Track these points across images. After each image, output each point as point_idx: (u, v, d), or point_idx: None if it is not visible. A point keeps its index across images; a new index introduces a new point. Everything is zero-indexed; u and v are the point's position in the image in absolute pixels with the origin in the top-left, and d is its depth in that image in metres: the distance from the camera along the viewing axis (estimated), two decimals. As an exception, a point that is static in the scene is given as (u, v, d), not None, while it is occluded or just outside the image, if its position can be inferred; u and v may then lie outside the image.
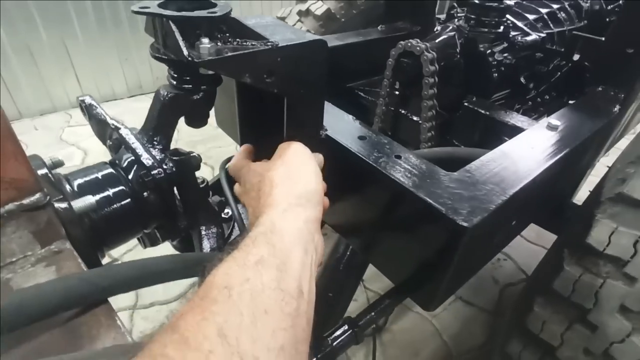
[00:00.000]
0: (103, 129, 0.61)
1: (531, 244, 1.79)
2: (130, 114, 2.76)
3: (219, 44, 0.52)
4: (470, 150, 0.78)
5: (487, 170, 0.64)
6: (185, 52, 0.47)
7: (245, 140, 0.82)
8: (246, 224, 0.72)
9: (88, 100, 0.61)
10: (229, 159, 0.84)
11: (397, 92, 1.06)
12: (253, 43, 0.54)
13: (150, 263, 0.43)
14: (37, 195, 0.39)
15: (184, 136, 2.49)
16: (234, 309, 0.28)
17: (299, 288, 0.33)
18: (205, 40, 0.50)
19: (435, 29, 1.04)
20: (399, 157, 0.65)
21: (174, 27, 0.48)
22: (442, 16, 1.54)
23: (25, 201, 0.38)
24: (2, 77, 2.49)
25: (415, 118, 1.04)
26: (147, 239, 0.65)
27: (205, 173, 2.22)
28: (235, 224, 0.69)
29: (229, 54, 0.50)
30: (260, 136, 0.78)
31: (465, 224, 0.52)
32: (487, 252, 0.73)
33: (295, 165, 0.50)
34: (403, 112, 1.08)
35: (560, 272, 0.74)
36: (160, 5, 0.52)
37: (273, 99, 0.61)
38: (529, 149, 0.71)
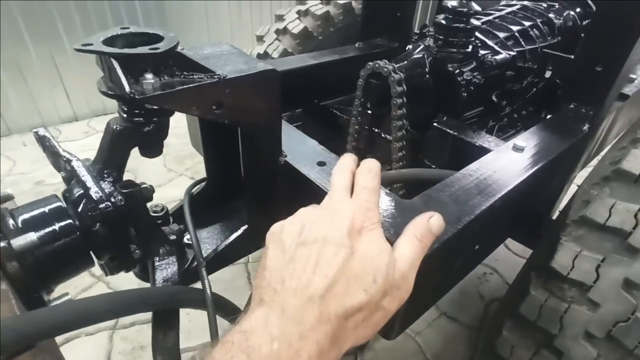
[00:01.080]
0: (57, 160, 0.61)
1: (518, 257, 1.78)
2: (120, 129, 2.76)
3: (164, 78, 0.52)
4: (435, 171, 0.77)
5: (445, 196, 0.64)
6: (127, 89, 0.47)
7: (211, 163, 0.82)
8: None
9: (41, 132, 0.61)
10: (196, 183, 0.84)
11: (369, 112, 1.07)
12: (200, 76, 0.54)
13: (80, 305, 0.42)
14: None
15: (172, 150, 2.49)
16: None
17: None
18: (149, 75, 0.50)
19: (407, 48, 1.05)
20: (357, 184, 0.64)
21: (116, 64, 0.48)
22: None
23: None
24: (-9, 93, 2.50)
25: (387, 137, 1.04)
26: (107, 268, 0.65)
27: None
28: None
29: (173, 89, 0.50)
30: (227, 161, 0.78)
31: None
32: (448, 278, 0.72)
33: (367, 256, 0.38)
34: (376, 130, 1.08)
35: (527, 295, 0.73)
36: (106, 41, 0.52)
37: (230, 126, 0.61)
38: (491, 172, 0.71)
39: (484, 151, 0.86)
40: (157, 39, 0.54)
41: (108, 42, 0.52)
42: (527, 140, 0.82)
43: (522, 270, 0.83)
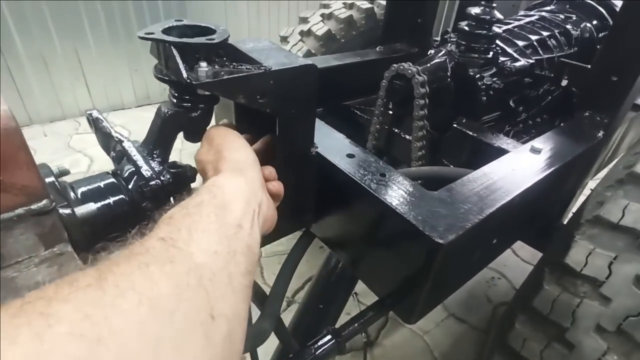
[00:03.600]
0: (107, 141, 0.66)
1: (526, 264, 1.81)
2: (138, 123, 2.83)
3: (216, 67, 0.57)
4: (454, 170, 0.81)
5: (467, 189, 0.68)
6: (185, 75, 0.52)
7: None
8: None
9: (95, 114, 0.66)
10: None
11: (390, 112, 1.11)
12: (248, 67, 0.58)
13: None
14: (44, 202, 0.43)
15: (188, 146, 2.54)
16: (173, 227, 0.33)
17: (238, 223, 0.37)
18: (204, 64, 0.54)
19: (429, 53, 1.09)
20: (383, 175, 0.68)
21: (175, 52, 0.53)
22: (439, 39, 1.60)
23: (34, 206, 0.42)
24: (16, 84, 2.58)
25: (407, 137, 1.08)
26: None
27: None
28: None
29: (225, 77, 0.55)
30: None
31: (440, 241, 0.55)
32: (467, 268, 0.75)
33: (228, 142, 0.54)
34: (396, 130, 1.12)
35: (540, 290, 0.76)
36: (164, 31, 0.57)
37: (267, 117, 0.65)
38: (510, 171, 0.75)
39: (502, 152, 0.90)
40: (209, 31, 0.59)
41: (165, 32, 0.56)
42: (544, 143, 0.86)
43: (536, 267, 0.86)
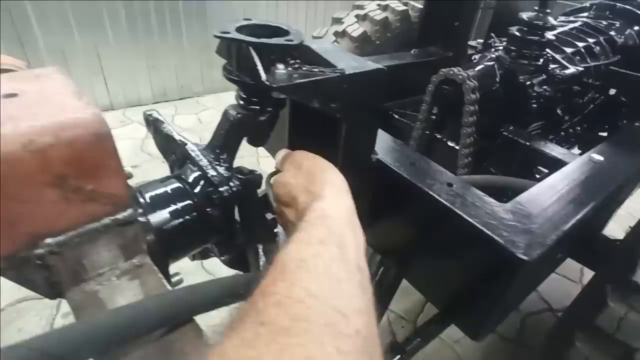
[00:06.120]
0: (168, 143, 0.63)
1: (554, 273, 1.77)
2: (154, 120, 2.81)
3: (290, 69, 0.55)
4: (520, 180, 0.78)
5: (538, 203, 0.65)
6: (264, 77, 0.50)
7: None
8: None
9: (155, 114, 0.64)
10: (274, 173, 0.86)
11: (433, 117, 1.08)
12: (322, 70, 0.56)
13: (228, 280, 0.44)
14: (130, 211, 0.41)
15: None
16: (314, 277, 0.31)
17: (358, 264, 0.36)
18: (281, 66, 0.52)
19: (472, 57, 1.06)
20: (450, 185, 0.66)
21: (253, 53, 0.51)
22: (473, 42, 1.58)
23: (119, 216, 0.40)
24: (35, 79, 2.57)
25: (450, 143, 1.05)
26: (198, 253, 0.67)
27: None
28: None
29: (303, 79, 0.52)
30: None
31: (525, 257, 0.52)
32: (534, 283, 0.73)
33: (319, 164, 0.53)
34: (438, 136, 1.09)
35: (604, 308, 0.73)
36: (237, 30, 0.54)
37: (323, 123, 0.63)
38: (575, 184, 0.72)
39: (556, 162, 0.87)
40: (281, 31, 0.56)
41: (238, 31, 0.54)
42: (603, 155, 0.83)
43: (592, 284, 0.83)
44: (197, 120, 2.89)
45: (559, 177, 0.74)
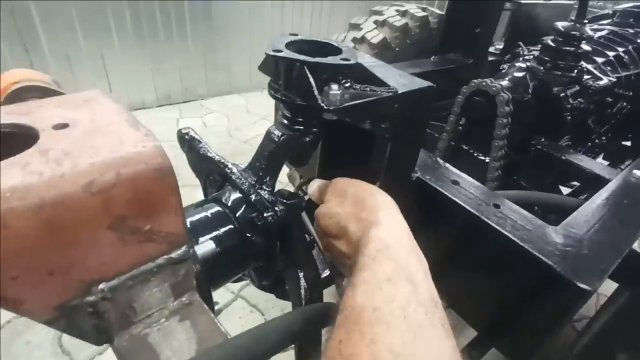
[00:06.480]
0: (203, 163, 0.60)
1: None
2: (159, 124, 2.77)
3: (342, 89, 0.52)
4: (564, 198, 0.76)
5: (588, 225, 0.62)
6: (319, 99, 0.47)
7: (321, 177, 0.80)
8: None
9: (192, 133, 0.61)
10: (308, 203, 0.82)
11: (460, 128, 1.05)
12: (373, 89, 0.53)
13: (285, 321, 0.41)
14: (184, 248, 0.38)
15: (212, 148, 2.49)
16: (395, 330, 0.29)
17: (432, 299, 0.34)
18: (335, 86, 0.49)
19: (501, 68, 1.04)
20: (497, 206, 0.63)
21: (307, 73, 0.48)
22: (491, 48, 1.55)
23: (174, 255, 0.37)
24: (38, 82, 2.52)
25: (478, 155, 1.03)
26: (250, 277, 0.64)
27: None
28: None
29: (358, 101, 0.49)
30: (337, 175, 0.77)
31: (587, 287, 0.50)
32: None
33: (363, 189, 0.50)
34: (465, 147, 1.07)
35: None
36: (286, 46, 0.51)
37: (357, 144, 0.60)
38: (621, 204, 0.70)
39: (594, 177, 0.85)
40: (330, 47, 0.53)
41: (287, 47, 0.51)
42: (644, 170, 0.81)
43: (631, 302, 0.81)
44: (202, 123, 2.85)
45: (604, 196, 0.71)
